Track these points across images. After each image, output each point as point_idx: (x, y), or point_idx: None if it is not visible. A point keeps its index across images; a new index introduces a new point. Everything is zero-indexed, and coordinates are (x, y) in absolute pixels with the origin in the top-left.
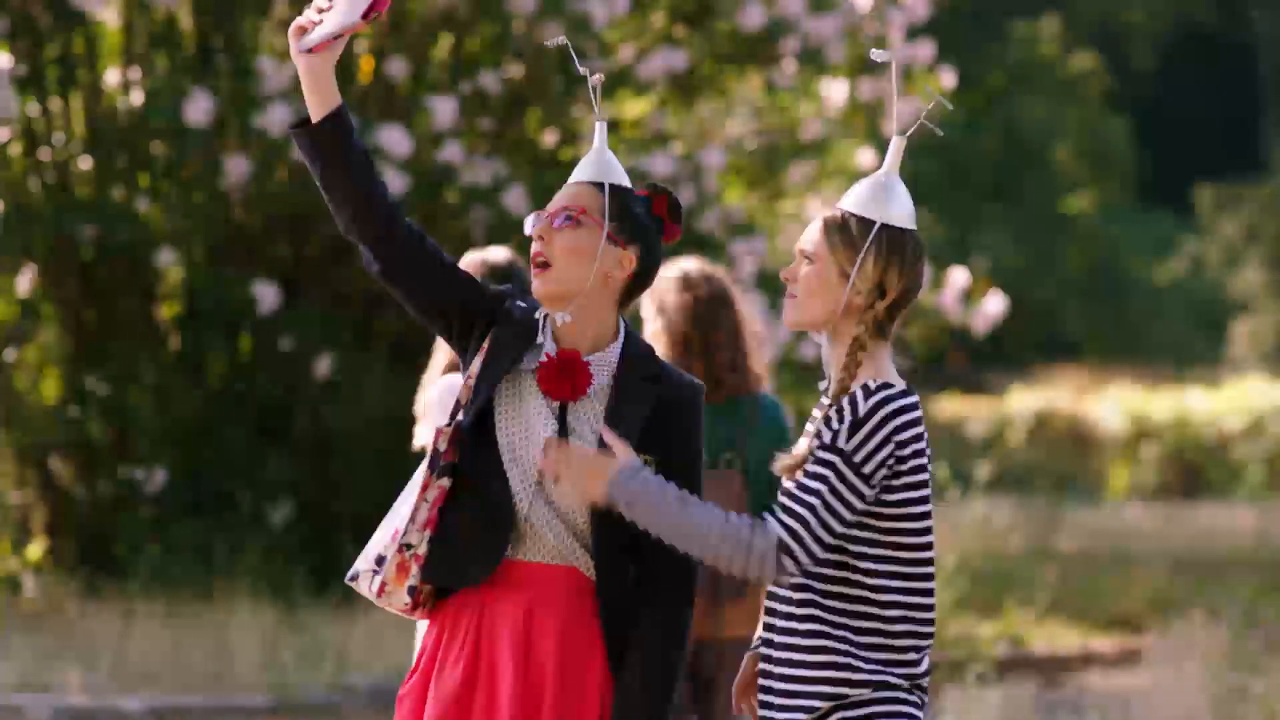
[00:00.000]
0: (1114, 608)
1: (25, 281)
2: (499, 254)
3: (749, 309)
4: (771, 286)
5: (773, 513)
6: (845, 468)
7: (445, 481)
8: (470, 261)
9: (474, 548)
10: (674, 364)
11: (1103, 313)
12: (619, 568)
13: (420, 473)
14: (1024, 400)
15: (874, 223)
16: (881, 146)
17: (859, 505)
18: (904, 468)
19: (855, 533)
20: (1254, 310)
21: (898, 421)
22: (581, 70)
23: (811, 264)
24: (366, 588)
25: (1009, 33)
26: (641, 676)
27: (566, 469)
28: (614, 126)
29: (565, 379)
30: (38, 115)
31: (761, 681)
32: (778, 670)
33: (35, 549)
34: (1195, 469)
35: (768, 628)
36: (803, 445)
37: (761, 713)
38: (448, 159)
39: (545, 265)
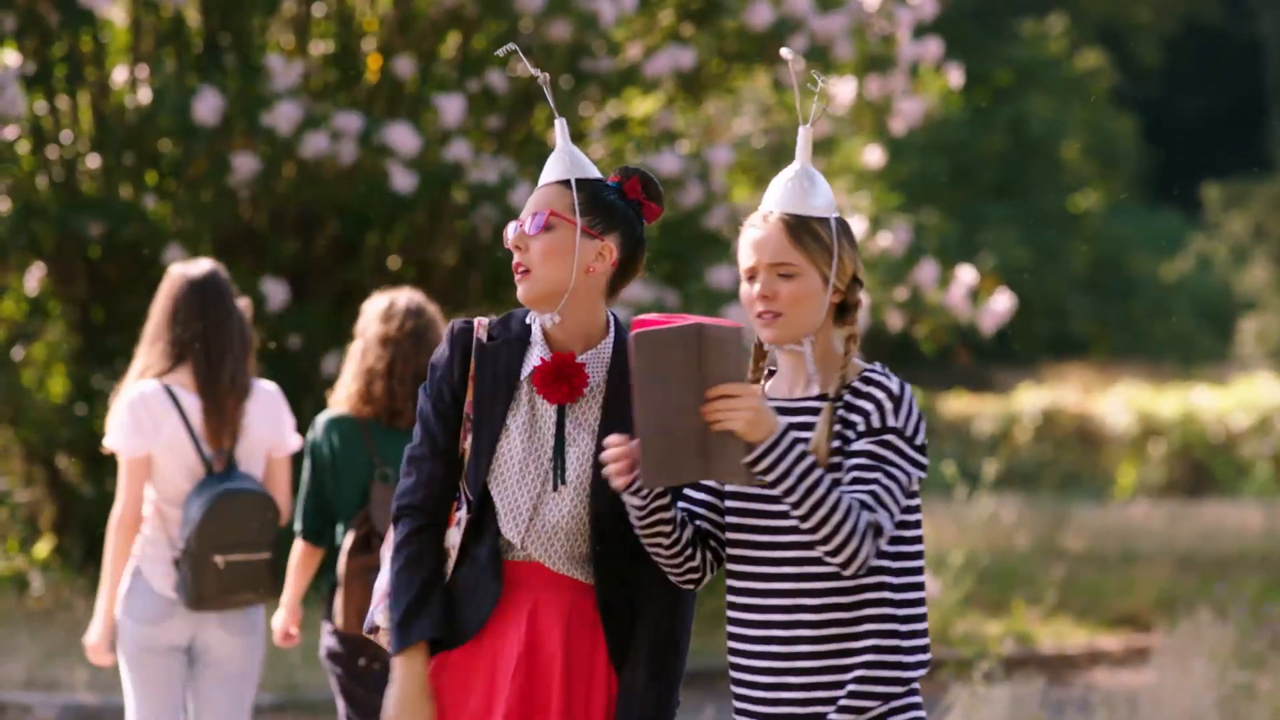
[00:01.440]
0: (1121, 605)
1: (33, 279)
2: (200, 267)
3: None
4: None
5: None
6: (902, 443)
7: (455, 536)
8: (172, 277)
9: (463, 607)
10: (363, 390)
11: (1110, 310)
12: (618, 573)
13: None
14: (1031, 398)
15: (828, 219)
16: (890, 144)
17: (916, 477)
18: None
19: None
20: (1261, 308)
21: (917, 401)
22: (534, 72)
23: (791, 279)
24: (385, 641)
25: (1016, 31)
26: (645, 671)
27: (743, 404)
28: (621, 124)
29: (561, 382)
30: (45, 113)
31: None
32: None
33: (42, 547)
34: (1202, 467)
35: (796, 624)
36: (816, 440)
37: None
38: (455, 157)
39: (526, 271)
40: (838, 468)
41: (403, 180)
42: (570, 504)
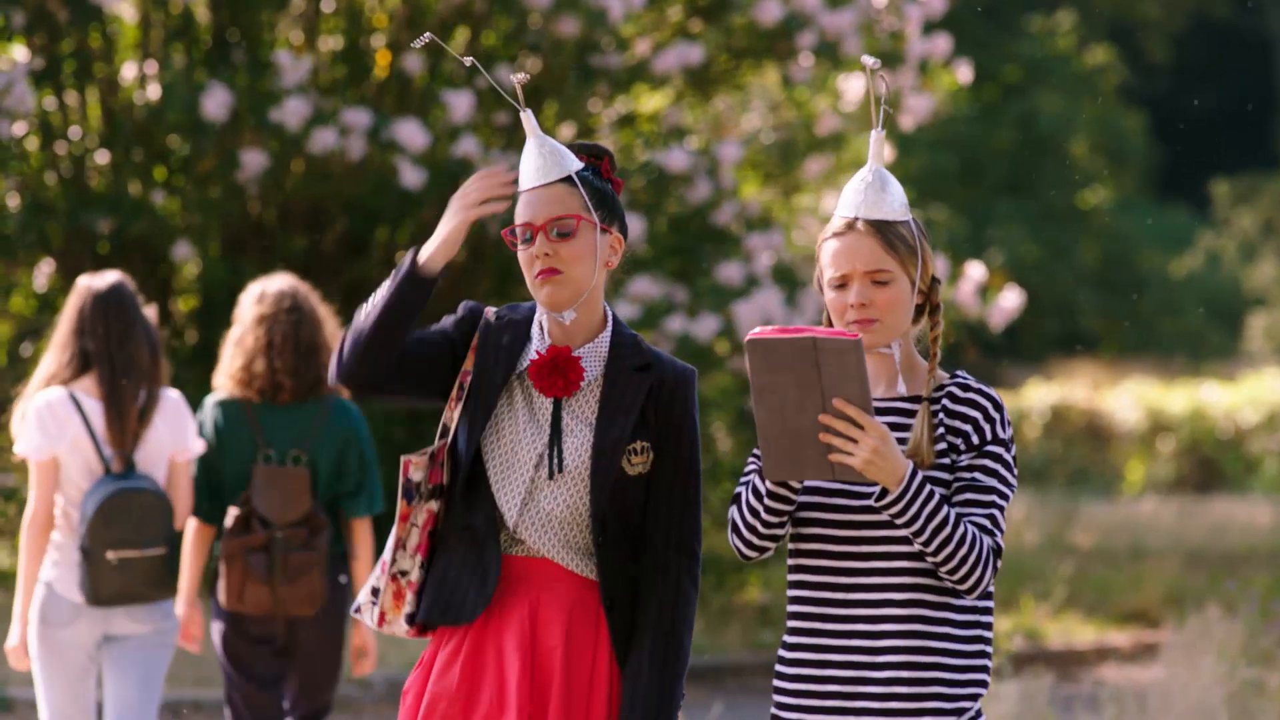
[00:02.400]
0: (1130, 601)
1: (42, 276)
2: (106, 279)
3: (330, 322)
4: (788, 280)
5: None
6: (1008, 456)
7: (434, 504)
8: (79, 289)
9: (465, 586)
10: (243, 368)
11: (1119, 306)
12: (621, 567)
13: (399, 504)
14: (1040, 394)
15: (908, 220)
16: (899, 141)
17: (1014, 492)
18: None
19: None
20: (1270, 304)
21: None
22: (465, 59)
23: (886, 285)
24: (368, 619)
25: (1025, 27)
26: (649, 663)
27: (866, 444)
28: (630, 120)
29: (557, 375)
30: (54, 109)
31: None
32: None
33: None
34: (1211, 463)
35: (862, 634)
36: (914, 441)
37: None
38: (464, 153)
39: (556, 273)
40: (938, 469)
41: (411, 176)
42: (566, 494)
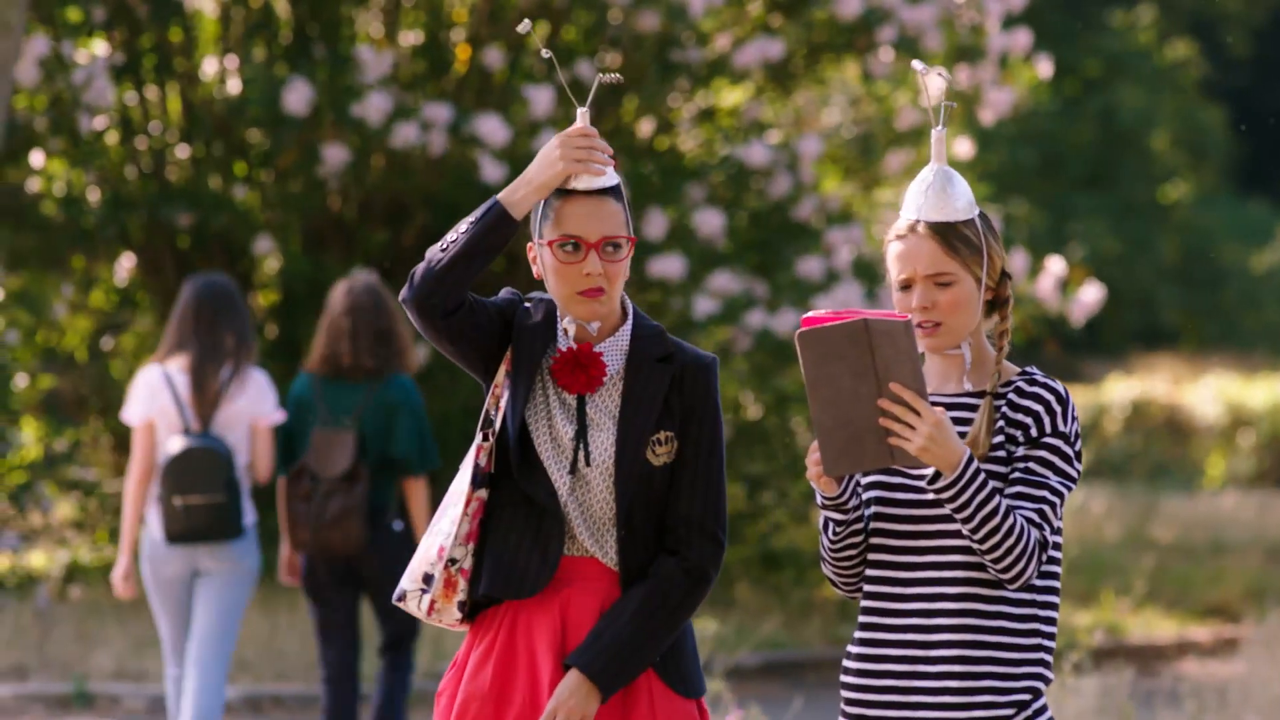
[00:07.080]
0: (1210, 596)
1: (122, 270)
2: (206, 278)
3: (400, 312)
4: (868, 274)
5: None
6: (1068, 449)
7: (483, 493)
8: (184, 288)
9: (526, 556)
10: (321, 348)
11: (1200, 301)
12: (642, 558)
13: (463, 489)
14: (1120, 389)
15: (973, 219)
16: (978, 135)
17: (1074, 486)
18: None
19: None
20: None
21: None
22: (539, 44)
23: (949, 287)
24: (415, 607)
25: (1105, 21)
26: (637, 603)
27: (922, 429)
28: (710, 115)
29: (580, 371)
30: (135, 104)
31: (912, 683)
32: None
33: None
34: None
35: (914, 628)
36: (973, 434)
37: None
38: None
39: (600, 291)
40: (996, 461)
41: (492, 171)
42: (596, 488)
